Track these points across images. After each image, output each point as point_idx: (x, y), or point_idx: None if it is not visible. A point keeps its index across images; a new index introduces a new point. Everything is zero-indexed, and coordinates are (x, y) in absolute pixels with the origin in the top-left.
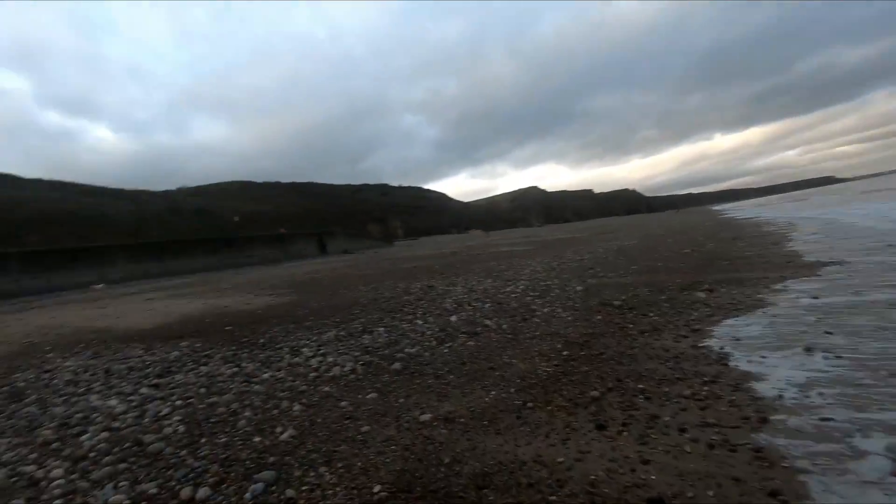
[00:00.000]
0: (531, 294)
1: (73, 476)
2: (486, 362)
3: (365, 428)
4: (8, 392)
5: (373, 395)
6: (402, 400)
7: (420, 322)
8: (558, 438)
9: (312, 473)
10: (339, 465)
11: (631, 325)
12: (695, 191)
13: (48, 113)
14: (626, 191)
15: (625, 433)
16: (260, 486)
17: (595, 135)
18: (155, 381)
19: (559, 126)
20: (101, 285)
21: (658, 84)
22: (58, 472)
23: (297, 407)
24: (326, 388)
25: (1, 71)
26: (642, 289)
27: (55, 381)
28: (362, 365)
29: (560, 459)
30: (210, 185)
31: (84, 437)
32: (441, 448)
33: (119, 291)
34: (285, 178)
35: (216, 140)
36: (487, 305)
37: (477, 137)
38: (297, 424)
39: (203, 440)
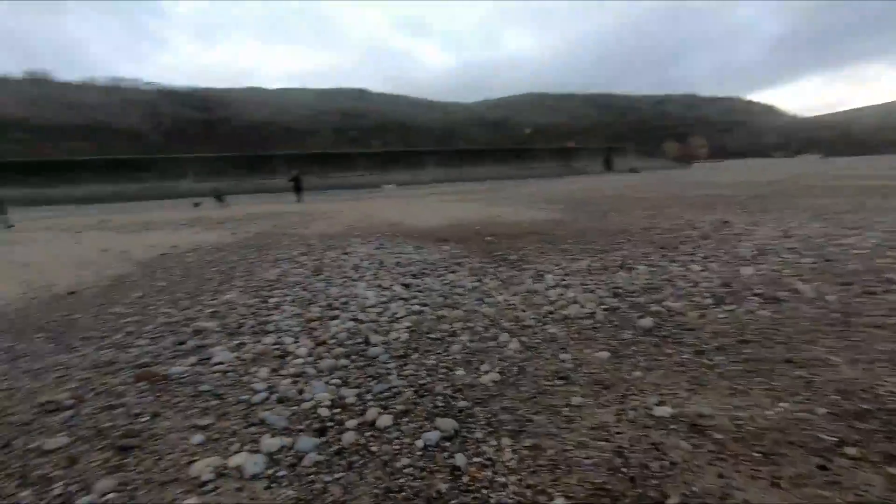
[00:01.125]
0: (891, 254)
1: (308, 359)
2: (783, 348)
3: (577, 399)
4: (315, 266)
5: (604, 353)
6: (637, 372)
7: (697, 268)
8: None
9: (493, 443)
10: (527, 443)
11: None
12: None
13: (397, 35)
14: None
15: None
16: (434, 435)
17: None
18: (409, 280)
19: None
20: (391, 185)
21: None
22: (302, 350)
23: (513, 344)
24: (553, 330)
25: (365, 4)
26: None
27: (346, 263)
28: (605, 310)
29: None
30: (508, 98)
31: (334, 322)
32: (670, 473)
33: (422, 192)
34: (582, 89)
35: (522, 52)
36: (807, 261)
37: (839, 28)
38: (506, 367)
39: (415, 356)
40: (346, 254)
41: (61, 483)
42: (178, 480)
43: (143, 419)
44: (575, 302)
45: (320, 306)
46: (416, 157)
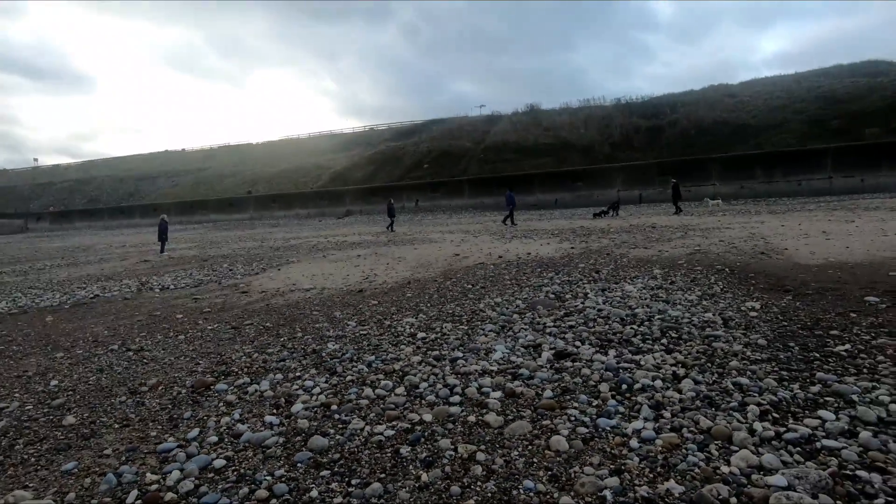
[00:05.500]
0: None
1: (269, 428)
2: None
3: None
4: (531, 302)
5: None
6: None
7: None
8: None
9: None
10: None
11: None
12: None
13: None
14: None
15: None
16: None
17: None
18: (583, 348)
19: None
20: (716, 200)
21: None
22: (298, 407)
23: None
24: None
25: None
26: None
27: (572, 304)
28: None
29: None
30: None
31: (381, 383)
32: None
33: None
34: None
35: None
36: None
37: None
38: None
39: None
40: (605, 290)
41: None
42: None
43: (108, 424)
44: None
45: (433, 360)
46: None
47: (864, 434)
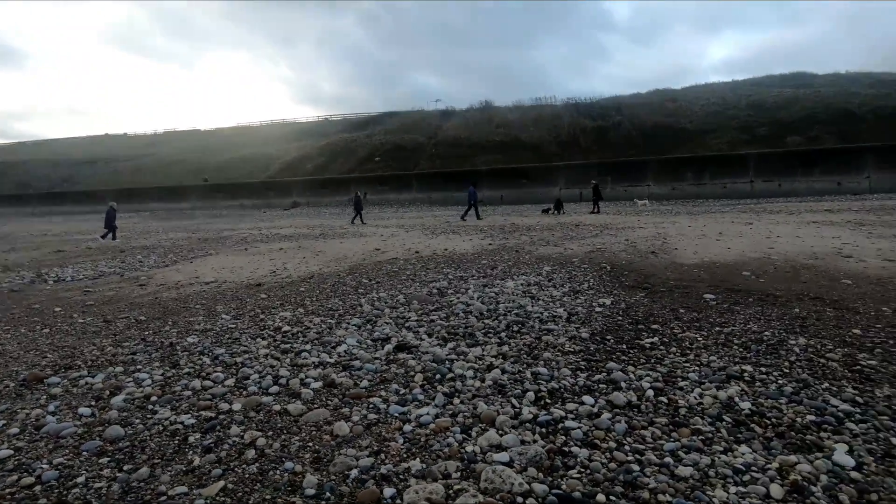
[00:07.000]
0: None
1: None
2: None
3: None
4: (435, 289)
5: None
6: None
7: None
8: None
9: None
10: None
11: None
12: None
13: None
14: None
15: None
16: None
17: None
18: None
19: None
20: (643, 201)
21: None
22: (126, 395)
23: None
24: None
25: None
26: None
27: (456, 300)
28: None
29: None
30: None
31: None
32: None
33: (836, 205)
34: None
35: None
36: None
37: None
38: None
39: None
40: (486, 286)
41: None
42: None
43: None
44: None
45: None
46: (846, 155)
47: (605, 416)
